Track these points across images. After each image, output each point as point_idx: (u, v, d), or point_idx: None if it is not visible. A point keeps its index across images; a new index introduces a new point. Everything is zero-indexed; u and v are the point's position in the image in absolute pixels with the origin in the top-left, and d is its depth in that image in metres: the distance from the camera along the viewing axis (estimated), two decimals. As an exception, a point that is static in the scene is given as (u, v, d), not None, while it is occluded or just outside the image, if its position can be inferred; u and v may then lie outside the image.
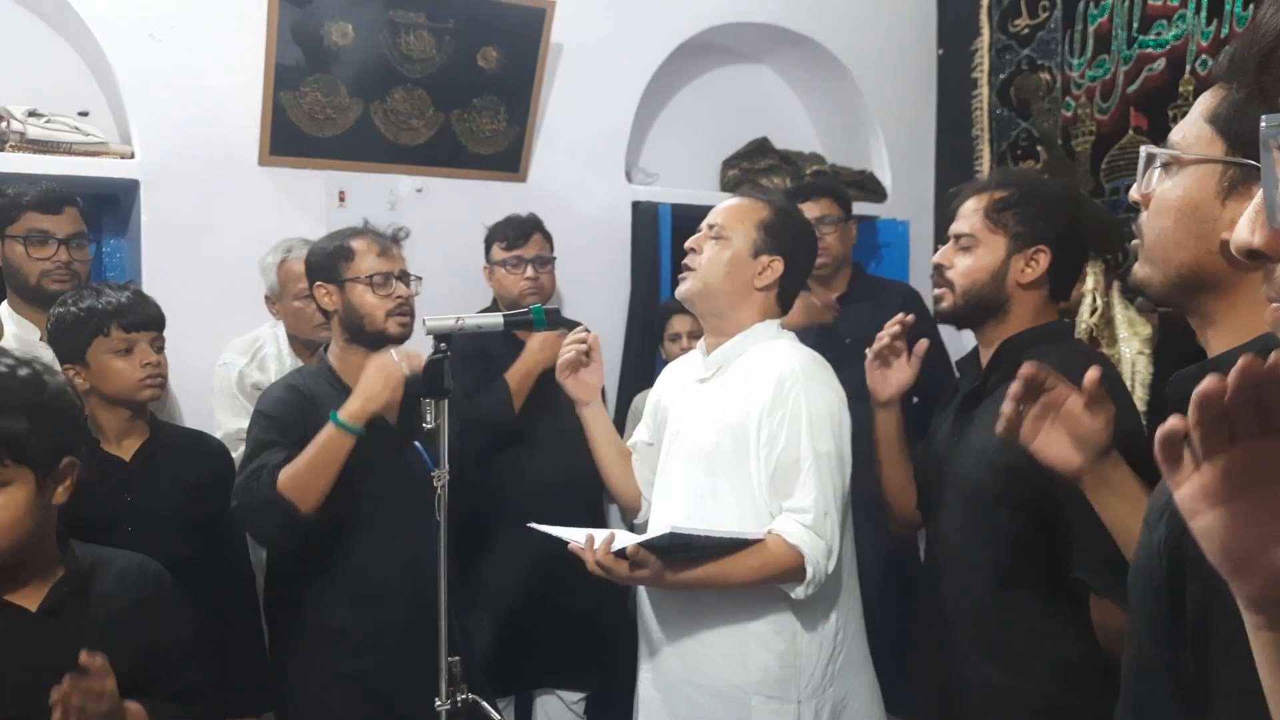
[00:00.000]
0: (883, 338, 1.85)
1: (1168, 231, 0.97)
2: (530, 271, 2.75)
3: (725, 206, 1.86)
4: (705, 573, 1.65)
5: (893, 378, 1.86)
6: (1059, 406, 1.28)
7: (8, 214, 2.23)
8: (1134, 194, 1.02)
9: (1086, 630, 1.52)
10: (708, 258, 1.80)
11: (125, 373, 1.90)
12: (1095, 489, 1.28)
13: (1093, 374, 1.27)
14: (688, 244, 1.85)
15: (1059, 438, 1.29)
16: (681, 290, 1.84)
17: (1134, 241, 1.05)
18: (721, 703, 1.73)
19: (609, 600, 2.43)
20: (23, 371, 1.34)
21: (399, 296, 2.00)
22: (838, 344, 2.77)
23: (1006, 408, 1.32)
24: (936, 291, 1.73)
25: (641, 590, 1.88)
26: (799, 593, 1.68)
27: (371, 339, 2.00)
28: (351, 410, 1.85)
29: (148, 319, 1.95)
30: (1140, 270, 1.03)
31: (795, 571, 1.66)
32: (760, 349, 1.80)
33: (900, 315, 1.88)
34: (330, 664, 1.97)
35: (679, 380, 1.95)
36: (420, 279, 2.10)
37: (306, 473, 1.84)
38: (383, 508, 1.96)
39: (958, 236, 1.69)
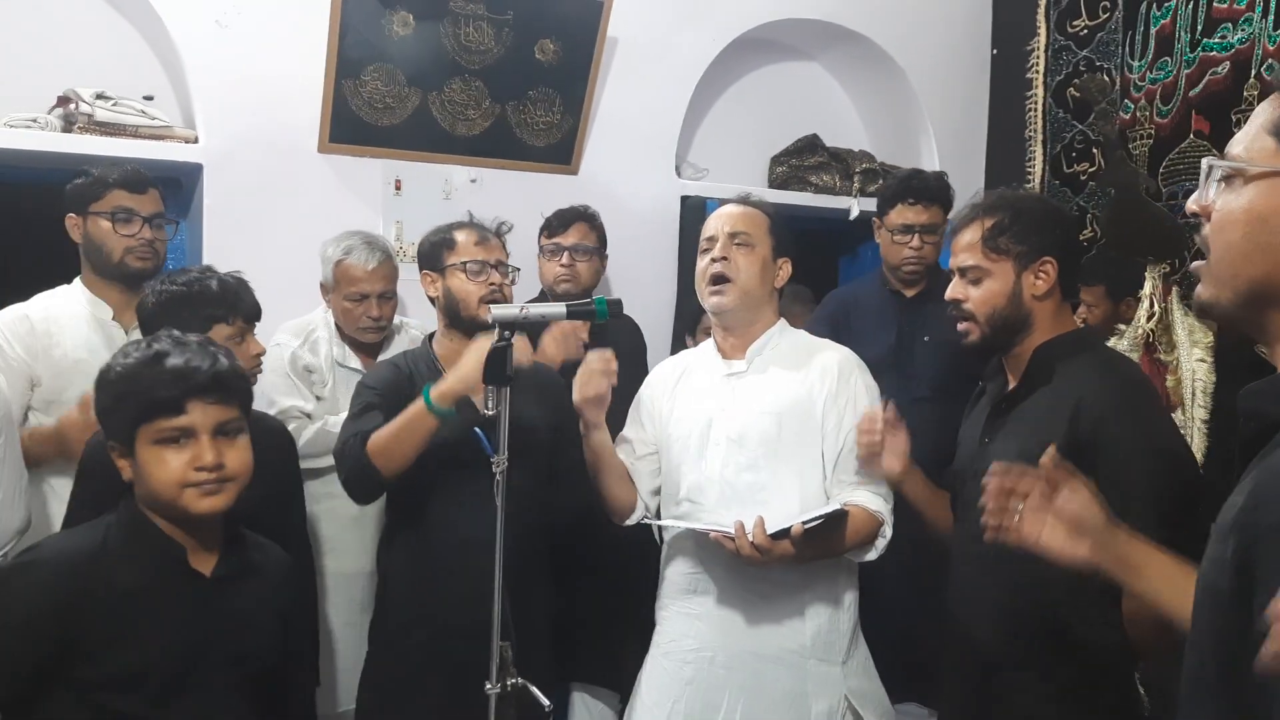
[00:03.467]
0: (862, 443, 1.87)
1: (1235, 245, 0.94)
2: (566, 259, 2.76)
3: (739, 215, 1.95)
4: (826, 545, 1.80)
5: (894, 453, 1.86)
6: (1047, 495, 1.29)
7: (94, 191, 2.27)
8: (1192, 205, 1.01)
9: (1115, 622, 1.54)
10: (745, 264, 1.90)
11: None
12: (1120, 572, 1.26)
13: (1046, 458, 1.29)
14: (718, 253, 1.91)
15: (1057, 528, 1.29)
16: (721, 301, 1.91)
17: (1195, 264, 1.02)
18: (783, 667, 1.86)
19: (629, 602, 2.42)
20: (212, 344, 1.50)
21: (492, 284, 2.09)
22: (917, 342, 2.74)
23: (999, 523, 1.34)
24: (962, 326, 1.76)
25: (675, 583, 1.95)
26: (870, 555, 1.87)
27: (466, 325, 2.08)
28: (441, 389, 1.89)
29: (258, 309, 2.02)
30: (1205, 290, 0.99)
31: (872, 535, 1.86)
32: (794, 342, 1.97)
33: (867, 418, 1.88)
34: (415, 644, 2.05)
35: (691, 376, 2.01)
36: (519, 270, 2.19)
37: (392, 442, 1.92)
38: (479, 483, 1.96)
39: (963, 270, 1.74)
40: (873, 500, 1.86)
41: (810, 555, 1.78)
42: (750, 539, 1.72)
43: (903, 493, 1.90)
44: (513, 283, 2.18)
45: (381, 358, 2.57)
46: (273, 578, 1.58)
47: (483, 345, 1.83)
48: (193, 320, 1.90)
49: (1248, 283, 0.93)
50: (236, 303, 1.95)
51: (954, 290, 1.76)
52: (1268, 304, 0.93)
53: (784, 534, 1.72)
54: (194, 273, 1.99)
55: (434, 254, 2.14)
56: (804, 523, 1.71)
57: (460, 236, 2.13)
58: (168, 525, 1.45)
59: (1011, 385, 1.75)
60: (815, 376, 1.90)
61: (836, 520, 1.78)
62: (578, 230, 2.81)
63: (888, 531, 1.87)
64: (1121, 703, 1.60)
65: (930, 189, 2.77)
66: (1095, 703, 1.58)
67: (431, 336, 2.22)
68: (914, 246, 2.73)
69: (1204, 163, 0.97)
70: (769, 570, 1.83)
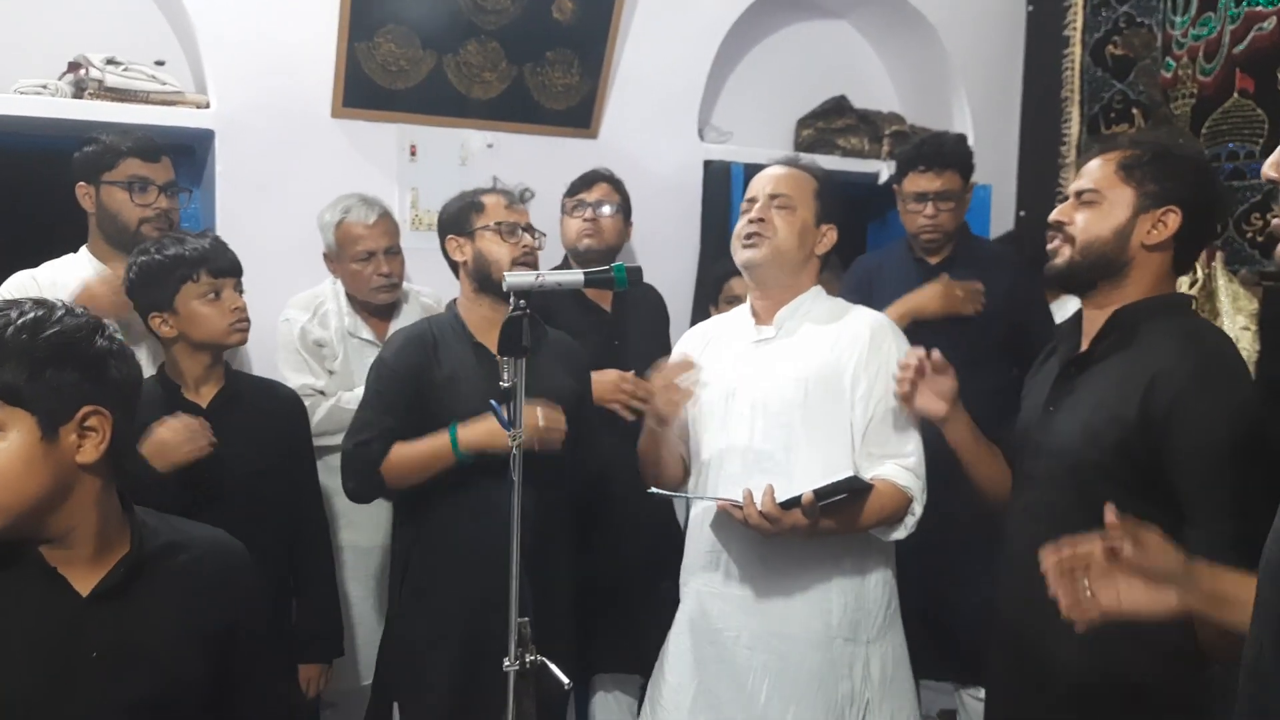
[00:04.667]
0: (902, 382, 1.77)
1: None
2: (589, 214, 2.70)
3: (782, 176, 1.90)
4: (845, 519, 1.72)
5: (936, 393, 1.75)
6: (1105, 560, 1.21)
7: (106, 160, 2.23)
8: (1270, 169, 0.94)
9: (1184, 621, 1.42)
10: (782, 225, 1.85)
11: (214, 318, 1.91)
12: (1214, 609, 1.18)
13: (1110, 515, 1.19)
14: (755, 214, 1.87)
15: (1135, 585, 1.20)
16: (753, 255, 1.85)
17: (1277, 220, 0.96)
18: (807, 646, 1.80)
19: (651, 580, 2.38)
20: (28, 313, 1.17)
21: (525, 246, 2.08)
22: None
23: (1073, 604, 1.23)
24: (1051, 246, 1.64)
25: (698, 560, 1.89)
26: (899, 534, 1.79)
27: (497, 288, 2.02)
28: (469, 440, 1.92)
29: (231, 264, 1.96)
30: None
31: (901, 512, 1.77)
32: (829, 308, 1.90)
33: (909, 360, 1.77)
34: (433, 619, 2.03)
35: (719, 342, 1.97)
36: (545, 235, 2.17)
37: (407, 468, 1.98)
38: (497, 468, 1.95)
39: (1079, 193, 1.61)
40: (901, 475, 1.77)
41: (828, 529, 1.71)
42: (759, 508, 1.65)
43: (948, 440, 1.78)
44: (540, 247, 2.15)
45: (393, 325, 2.52)
46: (198, 588, 1.28)
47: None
48: (163, 286, 1.89)
49: None
50: (200, 260, 1.90)
51: (1060, 212, 1.63)
52: None
53: (795, 503, 1.65)
54: (165, 239, 1.95)
55: (461, 218, 2.11)
56: (815, 491, 1.64)
57: (489, 200, 2.12)
58: (35, 543, 1.20)
59: (1084, 346, 1.63)
60: (845, 343, 1.83)
61: (856, 491, 1.70)
62: (601, 189, 2.75)
63: (917, 509, 1.78)
64: (1188, 704, 1.49)
65: (943, 154, 2.65)
66: (1160, 702, 1.49)
67: (454, 301, 2.18)
68: (928, 215, 2.64)
69: None
70: (791, 546, 1.77)
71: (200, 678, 1.26)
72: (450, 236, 2.12)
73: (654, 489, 1.87)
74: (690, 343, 2.04)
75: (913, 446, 1.80)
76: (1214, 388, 1.46)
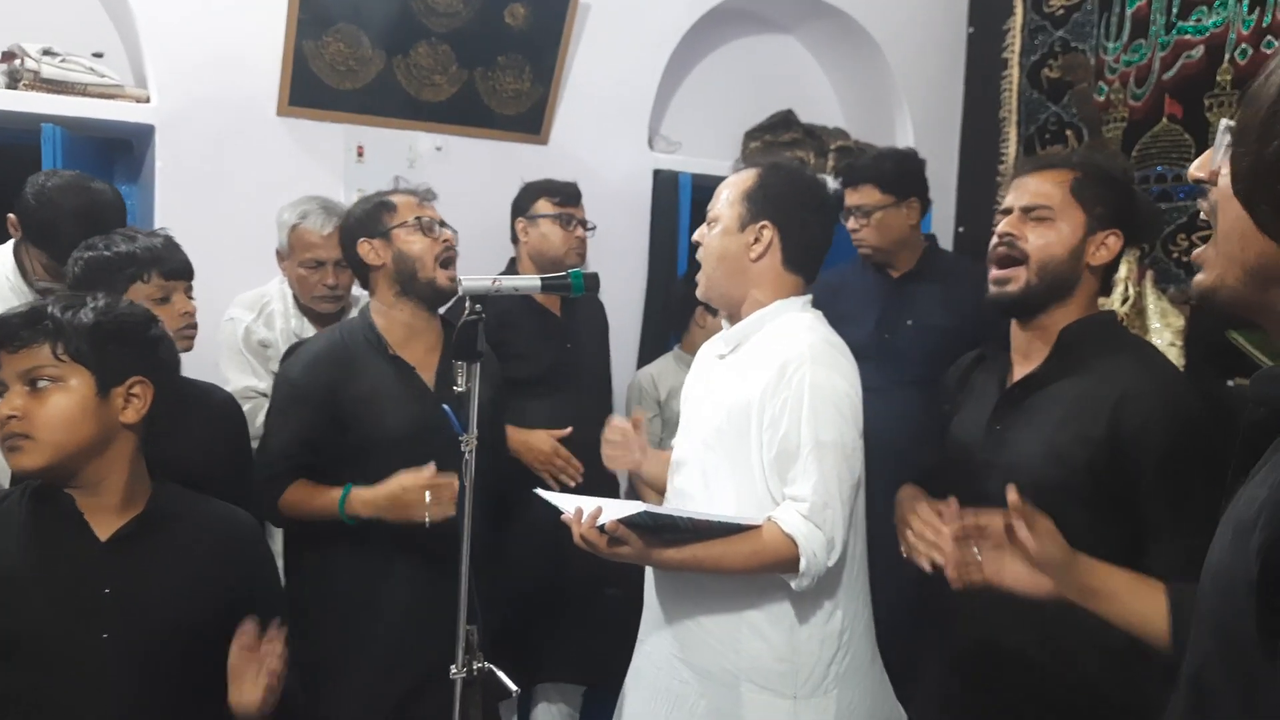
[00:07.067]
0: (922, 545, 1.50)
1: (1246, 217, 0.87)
2: (581, 232, 2.70)
3: (720, 187, 1.77)
4: (694, 555, 1.57)
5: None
6: (1003, 536, 1.29)
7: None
8: (1197, 170, 0.93)
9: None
10: (705, 248, 1.74)
11: (164, 322, 1.85)
12: (1085, 599, 1.26)
13: (1012, 495, 1.26)
14: (693, 238, 1.78)
15: (1016, 563, 1.29)
16: (698, 293, 1.79)
17: (1197, 252, 0.94)
18: (711, 684, 1.67)
19: (594, 583, 2.39)
20: (101, 300, 1.43)
21: (445, 240, 1.99)
22: (900, 326, 2.68)
23: (959, 564, 1.33)
24: (1006, 272, 1.60)
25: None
26: (796, 584, 1.59)
27: (423, 289, 1.97)
28: (358, 510, 1.86)
29: (184, 267, 1.91)
30: (1208, 275, 0.91)
31: (790, 562, 1.56)
32: (775, 327, 1.69)
33: (929, 522, 1.46)
34: (357, 629, 1.96)
35: (703, 359, 1.87)
36: (456, 232, 2.07)
37: (300, 513, 1.94)
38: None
39: (1029, 209, 1.61)
40: (790, 520, 1.56)
41: (675, 561, 1.58)
42: (580, 528, 1.54)
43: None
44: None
45: (340, 329, 2.49)
46: (205, 549, 1.50)
47: (405, 480, 1.81)
48: (112, 283, 1.82)
49: (1257, 256, 0.85)
50: (153, 261, 1.85)
51: (1010, 224, 1.61)
52: (1272, 283, 0.85)
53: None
54: (115, 235, 1.89)
55: (372, 219, 1.99)
56: (621, 520, 1.51)
57: (399, 199, 2.02)
58: (70, 487, 1.42)
59: (1024, 366, 1.62)
60: (757, 370, 1.64)
61: (700, 529, 1.56)
62: (582, 209, 2.74)
63: (804, 563, 1.55)
64: (1137, 701, 1.45)
65: (856, 170, 2.73)
66: (1109, 701, 1.50)
67: (366, 307, 2.07)
68: (852, 228, 2.70)
69: (1222, 123, 0.91)
70: (701, 577, 1.64)
71: (206, 627, 1.44)
72: (362, 240, 1.99)
73: (536, 489, 1.80)
74: (697, 359, 1.93)
75: (811, 488, 1.57)
76: (1181, 407, 1.50)
